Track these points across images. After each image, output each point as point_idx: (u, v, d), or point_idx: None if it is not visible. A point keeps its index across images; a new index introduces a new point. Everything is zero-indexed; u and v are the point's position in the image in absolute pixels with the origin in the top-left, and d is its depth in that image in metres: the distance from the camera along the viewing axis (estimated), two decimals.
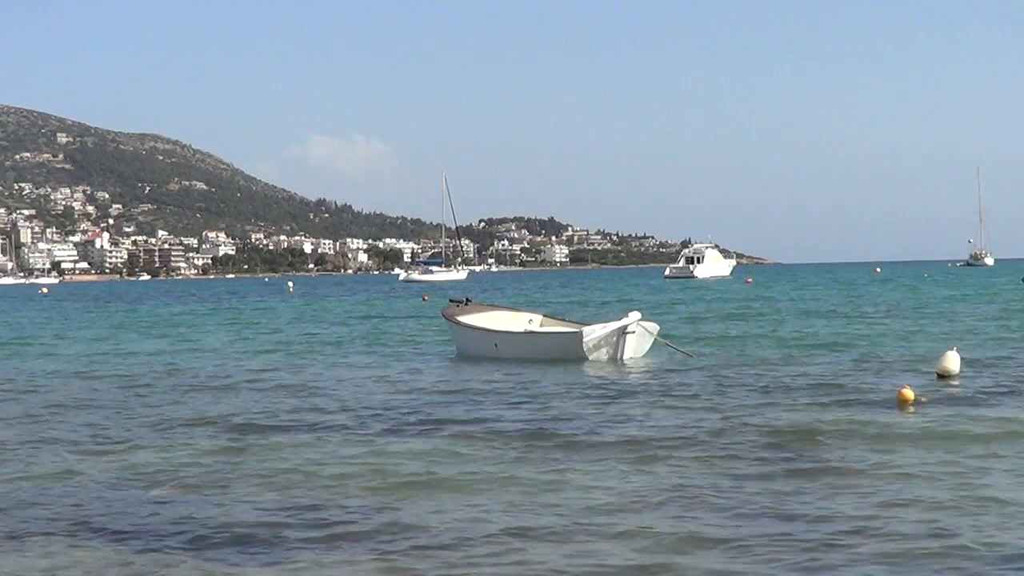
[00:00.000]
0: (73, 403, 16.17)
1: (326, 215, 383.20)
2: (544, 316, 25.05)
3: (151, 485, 9.94)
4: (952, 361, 16.70)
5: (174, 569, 7.40)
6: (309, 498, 9.24)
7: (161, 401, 16.24)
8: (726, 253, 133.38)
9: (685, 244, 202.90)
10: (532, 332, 23.25)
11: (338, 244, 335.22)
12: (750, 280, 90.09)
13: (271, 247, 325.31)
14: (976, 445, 10.93)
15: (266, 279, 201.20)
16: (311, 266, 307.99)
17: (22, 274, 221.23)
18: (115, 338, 32.46)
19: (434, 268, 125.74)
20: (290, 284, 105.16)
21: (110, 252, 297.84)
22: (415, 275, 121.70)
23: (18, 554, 7.84)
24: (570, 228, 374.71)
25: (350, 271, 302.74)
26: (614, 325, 21.52)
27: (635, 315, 21.60)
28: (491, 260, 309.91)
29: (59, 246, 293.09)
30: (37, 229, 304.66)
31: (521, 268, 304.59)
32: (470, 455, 11.06)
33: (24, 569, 7.49)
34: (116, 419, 14.33)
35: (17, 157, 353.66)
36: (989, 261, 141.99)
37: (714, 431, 12.16)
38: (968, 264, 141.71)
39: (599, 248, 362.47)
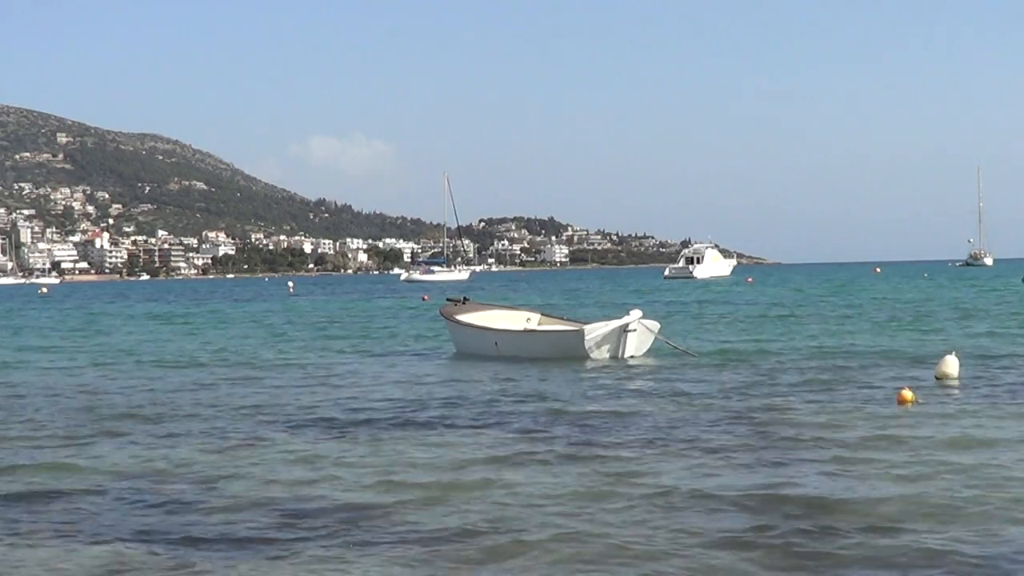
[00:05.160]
0: None
1: (326, 215, 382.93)
2: (542, 315, 25.10)
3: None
4: (951, 365, 16.74)
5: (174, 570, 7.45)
6: (306, 500, 9.27)
7: None
8: (726, 253, 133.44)
9: (685, 244, 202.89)
10: (532, 331, 23.28)
11: (338, 244, 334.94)
12: (750, 280, 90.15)
13: (271, 247, 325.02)
14: (972, 446, 10.98)
15: (266, 279, 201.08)
16: (311, 266, 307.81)
17: (22, 274, 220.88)
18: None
19: (435, 268, 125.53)
20: (290, 284, 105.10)
21: (110, 252, 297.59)
22: (416, 275, 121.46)
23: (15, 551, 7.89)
24: (570, 228, 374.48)
25: (350, 271, 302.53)
26: (615, 323, 21.55)
27: (636, 313, 21.64)
28: (491, 260, 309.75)
29: (59, 246, 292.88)
30: (37, 229, 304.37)
31: (521, 268, 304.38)
32: (471, 455, 11.09)
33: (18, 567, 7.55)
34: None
35: (17, 157, 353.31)
36: (988, 261, 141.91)
37: (714, 430, 12.22)
38: (967, 264, 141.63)
39: (599, 248, 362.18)
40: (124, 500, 9.33)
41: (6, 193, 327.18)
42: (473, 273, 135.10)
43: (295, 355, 24.34)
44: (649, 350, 21.73)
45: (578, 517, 8.35)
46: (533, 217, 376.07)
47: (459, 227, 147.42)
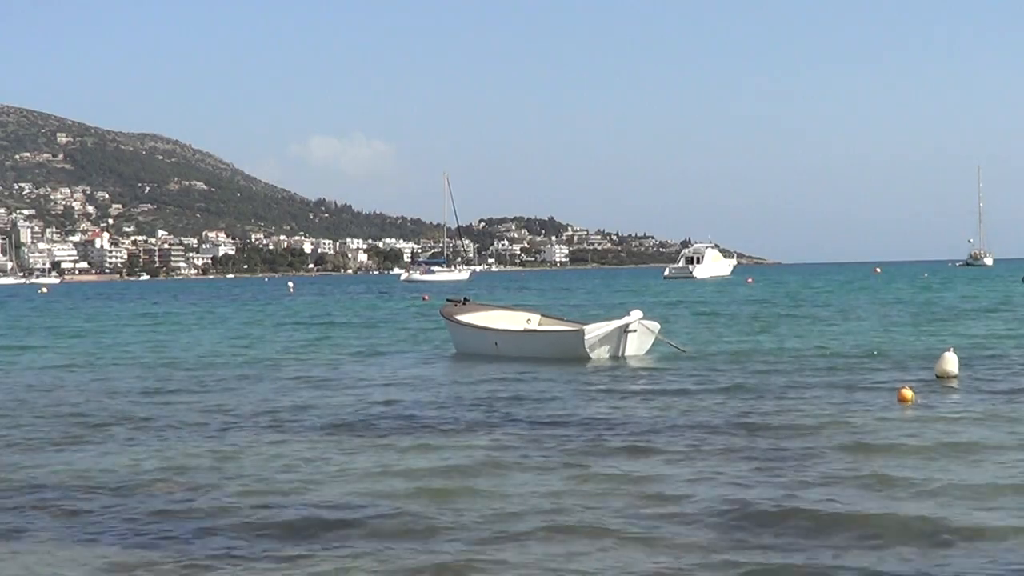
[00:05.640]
0: None
1: (326, 215, 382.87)
2: (542, 316, 25.11)
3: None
4: (950, 362, 16.75)
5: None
6: (300, 504, 9.23)
7: None
8: (726, 253, 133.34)
9: (685, 244, 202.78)
10: (533, 331, 23.28)
11: (338, 244, 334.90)
12: (750, 280, 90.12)
13: (271, 247, 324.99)
14: (972, 446, 10.94)
15: (266, 279, 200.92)
16: (311, 266, 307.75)
17: (22, 274, 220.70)
18: None
19: (436, 268, 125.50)
20: (290, 284, 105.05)
21: (110, 252, 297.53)
22: (417, 275, 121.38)
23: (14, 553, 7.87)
24: (570, 228, 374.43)
25: (350, 271, 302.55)
26: (615, 324, 21.55)
27: (636, 314, 21.65)
28: (491, 260, 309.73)
29: (59, 246, 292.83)
30: (37, 229, 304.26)
31: (521, 268, 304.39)
32: (470, 459, 11.04)
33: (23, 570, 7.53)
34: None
35: (17, 157, 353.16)
36: (988, 261, 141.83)
37: (713, 433, 12.18)
38: (968, 264, 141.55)
39: (599, 248, 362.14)
40: (116, 505, 9.27)
41: (6, 193, 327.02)
42: (473, 273, 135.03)
43: (293, 356, 24.29)
44: (649, 350, 21.73)
45: (577, 523, 8.29)
46: (533, 217, 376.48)
47: (459, 227, 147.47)
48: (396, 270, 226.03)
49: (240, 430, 13.05)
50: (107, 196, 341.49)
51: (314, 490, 9.52)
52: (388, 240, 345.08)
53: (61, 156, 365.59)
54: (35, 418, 14.51)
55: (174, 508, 9.03)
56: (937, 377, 16.58)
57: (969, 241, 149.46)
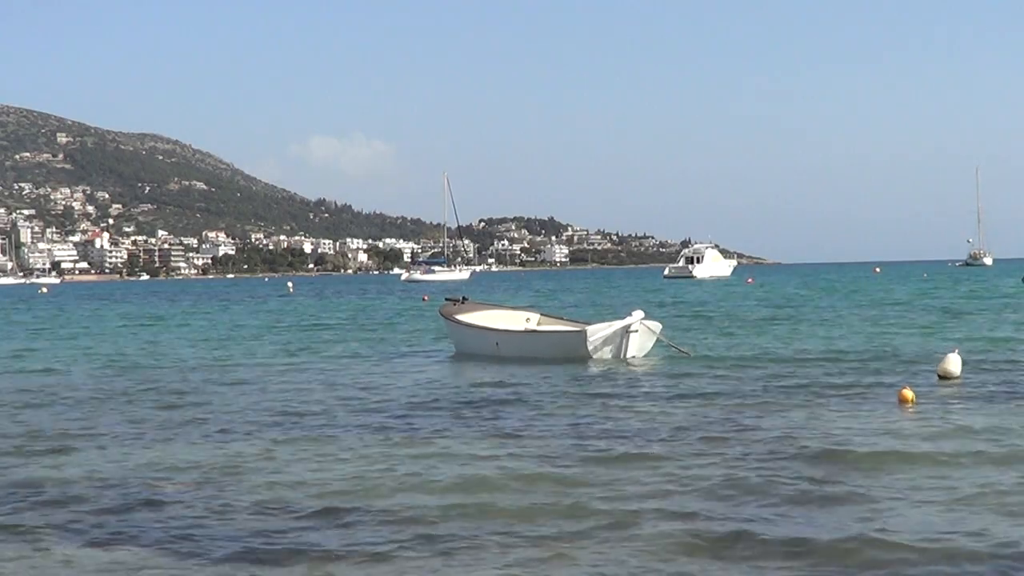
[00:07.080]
0: None
1: (326, 215, 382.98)
2: (542, 315, 25.04)
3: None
4: (953, 363, 16.69)
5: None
6: (293, 507, 9.17)
7: None
8: (726, 253, 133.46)
9: (685, 244, 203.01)
10: (534, 331, 23.19)
11: (338, 244, 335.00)
12: (750, 280, 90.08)
13: (271, 247, 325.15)
14: (972, 448, 10.87)
15: (266, 279, 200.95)
16: (311, 266, 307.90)
17: (22, 274, 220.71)
18: None
19: (436, 268, 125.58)
20: (290, 284, 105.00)
21: (110, 252, 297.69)
22: (417, 275, 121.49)
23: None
24: (570, 228, 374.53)
25: (350, 271, 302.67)
26: (617, 324, 21.47)
27: (638, 314, 21.58)
28: (491, 260, 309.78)
29: (59, 246, 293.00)
30: (37, 229, 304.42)
31: (521, 268, 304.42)
32: (468, 463, 10.98)
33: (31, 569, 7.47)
34: None
35: (17, 157, 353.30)
36: (988, 261, 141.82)
37: (714, 432, 12.13)
38: (967, 264, 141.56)
39: (599, 248, 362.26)
40: (109, 508, 9.22)
41: (6, 193, 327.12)
42: (473, 273, 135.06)
43: (291, 356, 24.23)
44: (650, 351, 21.66)
45: (579, 534, 8.24)
46: (533, 217, 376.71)
47: (459, 227, 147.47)
48: (396, 270, 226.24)
49: (234, 433, 12.94)
50: (107, 196, 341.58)
51: (306, 495, 9.42)
52: (388, 240, 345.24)
53: (61, 156, 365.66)
54: (27, 421, 14.44)
55: (163, 516, 8.96)
56: (940, 377, 16.51)
57: (968, 241, 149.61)
